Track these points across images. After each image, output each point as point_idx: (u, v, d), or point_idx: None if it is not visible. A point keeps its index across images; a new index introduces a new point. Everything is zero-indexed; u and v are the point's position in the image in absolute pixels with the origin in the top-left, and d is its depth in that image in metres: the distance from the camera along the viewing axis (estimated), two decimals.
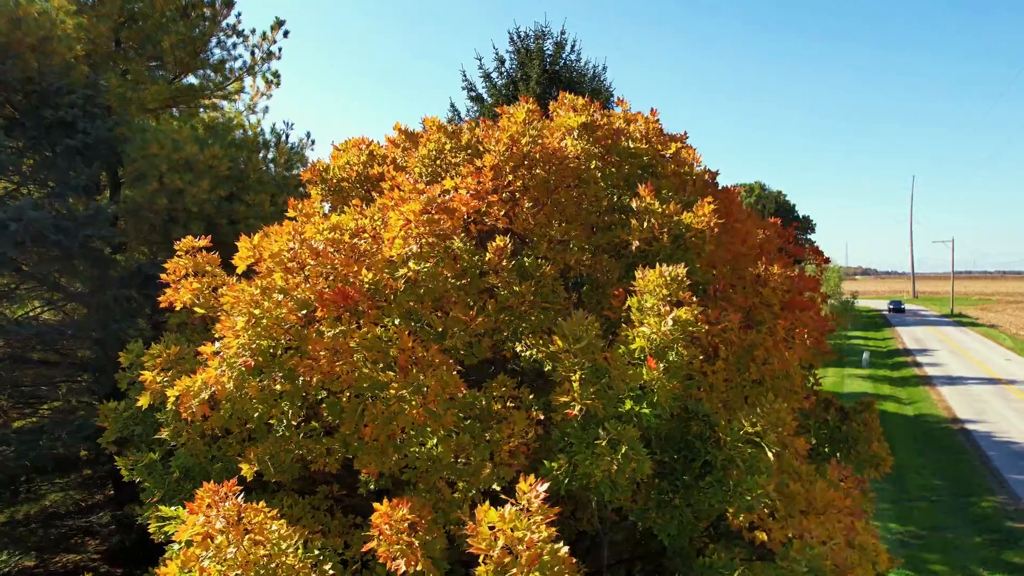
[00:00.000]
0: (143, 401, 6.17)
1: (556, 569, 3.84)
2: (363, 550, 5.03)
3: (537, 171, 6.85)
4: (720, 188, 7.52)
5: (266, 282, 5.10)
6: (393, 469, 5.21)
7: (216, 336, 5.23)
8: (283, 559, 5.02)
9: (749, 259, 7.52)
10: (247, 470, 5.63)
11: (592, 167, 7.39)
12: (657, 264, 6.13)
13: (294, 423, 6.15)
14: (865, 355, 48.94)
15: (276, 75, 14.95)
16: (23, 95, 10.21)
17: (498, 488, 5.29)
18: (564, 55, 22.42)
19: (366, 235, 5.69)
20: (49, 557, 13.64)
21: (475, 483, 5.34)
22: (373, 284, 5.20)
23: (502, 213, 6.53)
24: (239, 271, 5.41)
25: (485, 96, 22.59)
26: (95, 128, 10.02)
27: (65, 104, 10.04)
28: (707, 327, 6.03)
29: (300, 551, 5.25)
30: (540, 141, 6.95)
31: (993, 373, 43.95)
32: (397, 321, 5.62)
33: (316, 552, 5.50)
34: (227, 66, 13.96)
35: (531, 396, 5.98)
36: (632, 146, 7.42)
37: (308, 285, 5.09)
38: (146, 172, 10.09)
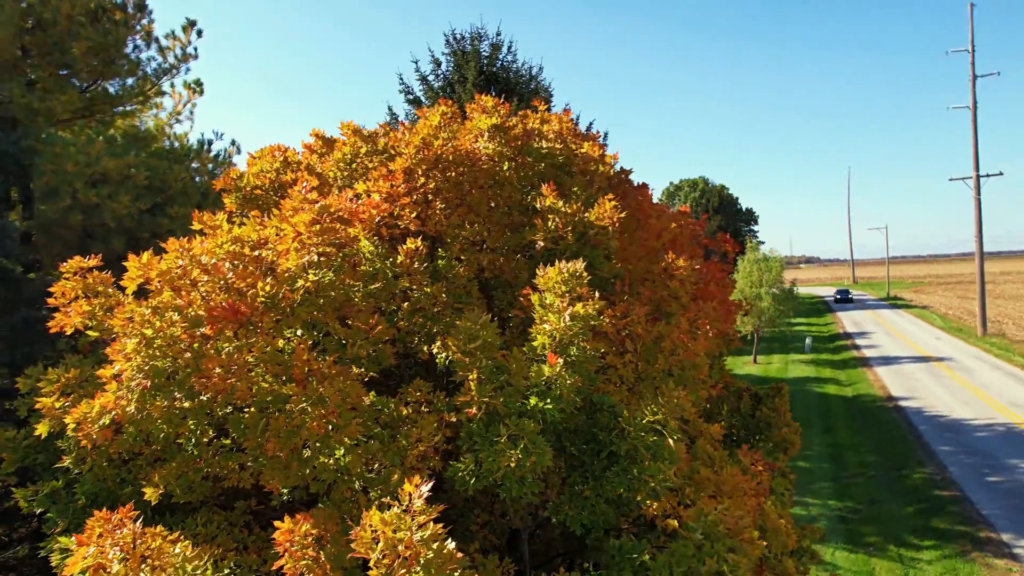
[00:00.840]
0: (41, 429, 5.94)
1: (442, 565, 3.86)
2: (273, 568, 4.95)
3: (450, 173, 6.86)
4: (634, 185, 7.66)
5: (157, 301, 4.97)
6: (299, 483, 5.14)
7: (110, 359, 5.06)
8: None
9: (663, 253, 7.70)
10: (151, 493, 5.49)
11: (505, 168, 7.44)
12: (563, 260, 6.22)
13: (204, 440, 6.02)
14: (808, 340, 50.56)
15: (198, 83, 14.59)
16: None
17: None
18: (501, 56, 22.52)
19: (269, 247, 5.60)
20: None
21: (387, 490, 5.32)
22: (269, 297, 5.13)
23: (414, 215, 6.52)
24: (129, 291, 5.25)
25: (423, 99, 22.51)
26: (4, 141, 9.61)
27: None
28: (613, 321, 6.15)
29: (209, 572, 5.14)
30: (452, 143, 6.96)
31: (924, 352, 46.03)
32: (300, 333, 5.55)
33: (227, 572, 5.39)
34: (144, 70, 13.54)
35: (446, 398, 5.98)
36: (545, 146, 7.50)
37: (202, 302, 4.97)
38: (58, 187, 9.71)
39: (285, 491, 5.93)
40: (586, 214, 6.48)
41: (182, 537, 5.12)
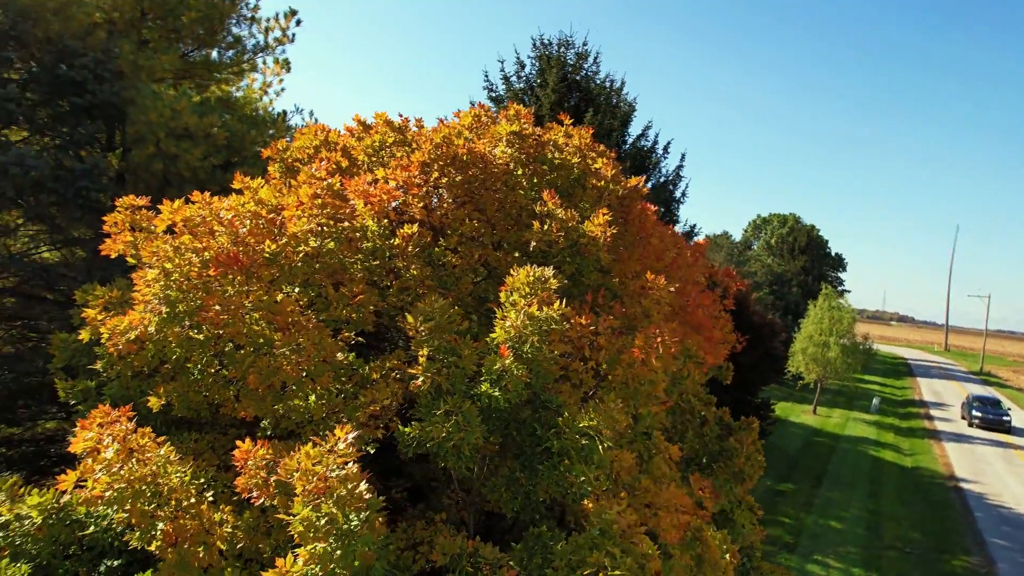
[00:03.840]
0: (84, 335, 7.00)
1: (351, 502, 4.50)
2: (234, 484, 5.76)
3: (466, 171, 7.49)
4: (639, 205, 8.05)
5: (179, 241, 5.87)
6: (269, 415, 5.92)
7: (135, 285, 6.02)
8: (167, 480, 5.76)
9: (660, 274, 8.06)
10: (154, 402, 6.42)
11: (520, 173, 8.01)
12: (553, 265, 6.75)
13: (210, 369, 6.92)
14: (876, 401, 48.18)
15: (287, 62, 15.99)
16: (43, 54, 11.24)
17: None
18: (586, 66, 23.01)
19: (286, 212, 6.43)
20: (40, 480, 14.71)
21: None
22: (273, 254, 5.93)
23: (420, 205, 7.20)
24: (159, 229, 6.18)
25: (504, 97, 23.30)
26: (102, 90, 10.99)
27: (77, 65, 11.03)
28: (580, 329, 6.61)
29: (187, 477, 6.00)
30: (471, 145, 7.59)
31: (1006, 437, 42.87)
32: (297, 290, 6.34)
33: (201, 480, 6.24)
34: (243, 45, 14.95)
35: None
36: (559, 157, 8.02)
37: (215, 248, 5.83)
38: (144, 136, 11.03)
39: (267, 424, 6.77)
40: (582, 224, 6.96)
41: (171, 446, 6.01)
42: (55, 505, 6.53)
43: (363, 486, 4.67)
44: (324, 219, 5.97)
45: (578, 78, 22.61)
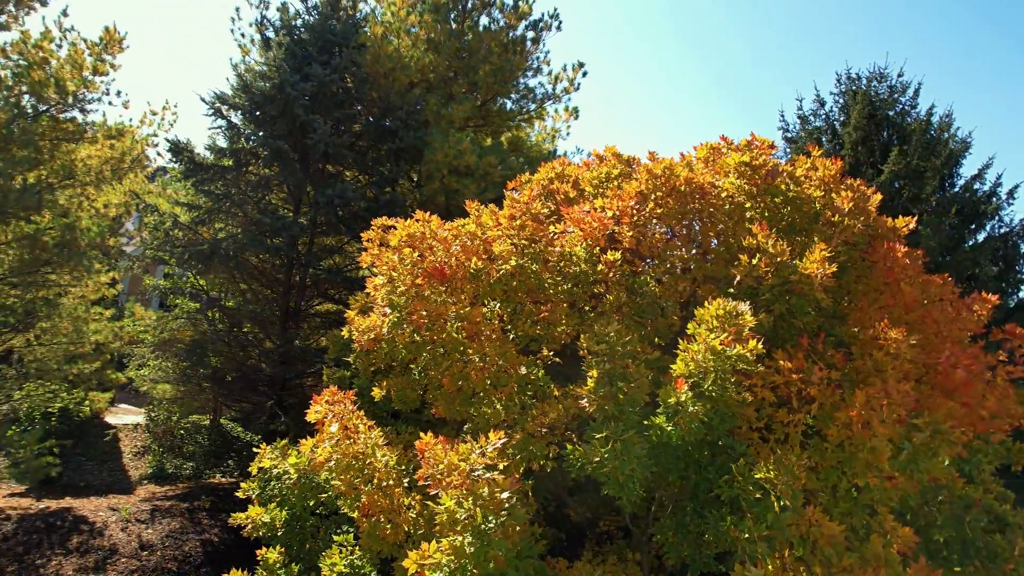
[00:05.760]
0: (344, 332, 8.48)
1: (490, 504, 4.70)
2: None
3: (682, 201, 7.29)
4: (885, 245, 6.87)
5: (402, 254, 6.81)
6: (455, 416, 6.45)
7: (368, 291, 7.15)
8: (373, 460, 6.65)
9: (912, 326, 6.76)
10: (376, 393, 7.46)
11: (748, 206, 7.48)
12: (762, 303, 6.22)
13: (430, 371, 7.80)
14: None
15: (575, 109, 17.16)
16: (374, 109, 13.98)
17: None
18: (904, 100, 20.27)
19: (489, 232, 7.04)
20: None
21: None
22: (476, 271, 6.51)
23: (630, 234, 7.19)
24: (392, 243, 7.21)
25: (800, 138, 21.71)
26: (408, 136, 13.22)
27: (393, 117, 13.46)
28: (785, 374, 5.88)
29: (392, 461, 6.85)
30: (690, 175, 7.36)
31: None
32: (498, 305, 6.83)
33: (403, 467, 7.04)
34: (535, 93, 16.59)
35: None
36: (793, 190, 7.29)
37: (430, 262, 6.64)
38: (433, 173, 12.93)
39: (469, 428, 7.36)
40: (789, 259, 6.26)
41: (380, 432, 6.92)
42: (307, 467, 7.96)
43: (505, 493, 4.83)
44: (521, 240, 6.38)
45: (891, 113, 19.98)
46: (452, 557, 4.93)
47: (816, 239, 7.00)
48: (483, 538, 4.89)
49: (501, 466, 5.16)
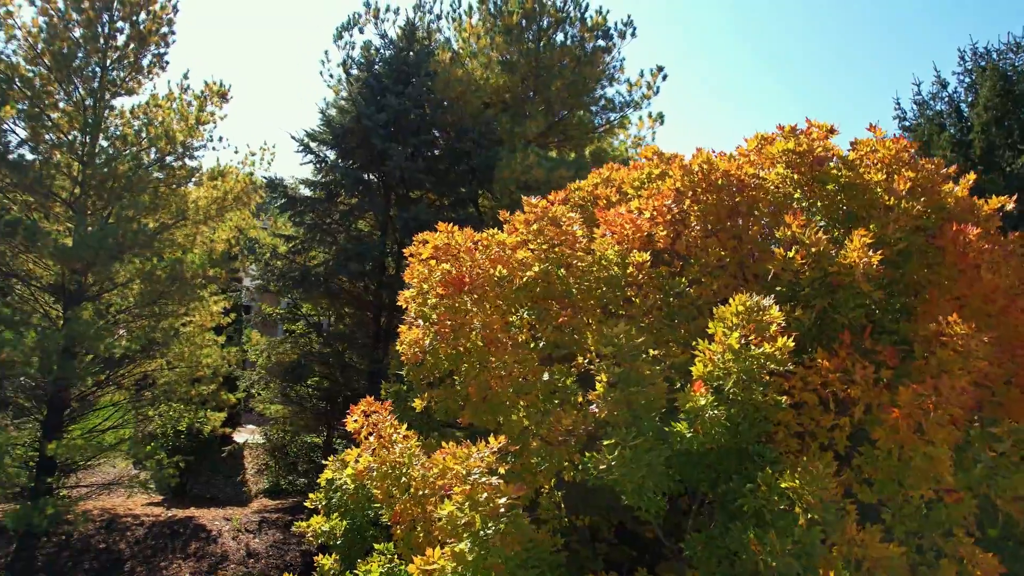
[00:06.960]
0: (398, 347, 8.72)
1: (487, 509, 4.63)
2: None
3: (719, 195, 6.88)
4: (953, 227, 6.04)
5: (429, 266, 6.92)
6: (481, 424, 6.40)
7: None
8: (408, 469, 6.77)
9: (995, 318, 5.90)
10: (417, 403, 7.57)
11: (797, 195, 6.91)
12: (801, 299, 5.75)
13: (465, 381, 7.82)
14: None
15: (660, 115, 16.73)
16: (448, 132, 14.44)
17: None
18: None
19: (508, 239, 7.01)
20: None
21: None
22: (501, 278, 6.49)
23: (664, 234, 6.86)
24: (424, 255, 7.31)
25: (919, 125, 19.73)
26: (480, 156, 13.50)
27: (466, 139, 13.81)
28: (824, 374, 5.32)
29: (423, 456, 6.91)
30: (727, 168, 6.92)
31: None
32: (525, 313, 6.75)
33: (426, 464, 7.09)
34: (614, 102, 16.39)
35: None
36: (846, 175, 6.64)
37: (455, 271, 6.70)
38: (502, 189, 13.09)
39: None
40: (826, 248, 5.68)
41: (417, 442, 7.02)
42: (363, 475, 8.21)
43: (504, 499, 4.73)
44: (540, 244, 6.28)
45: None
46: (454, 563, 4.89)
47: (872, 227, 6.32)
48: (482, 545, 4.81)
49: (502, 470, 5.05)
